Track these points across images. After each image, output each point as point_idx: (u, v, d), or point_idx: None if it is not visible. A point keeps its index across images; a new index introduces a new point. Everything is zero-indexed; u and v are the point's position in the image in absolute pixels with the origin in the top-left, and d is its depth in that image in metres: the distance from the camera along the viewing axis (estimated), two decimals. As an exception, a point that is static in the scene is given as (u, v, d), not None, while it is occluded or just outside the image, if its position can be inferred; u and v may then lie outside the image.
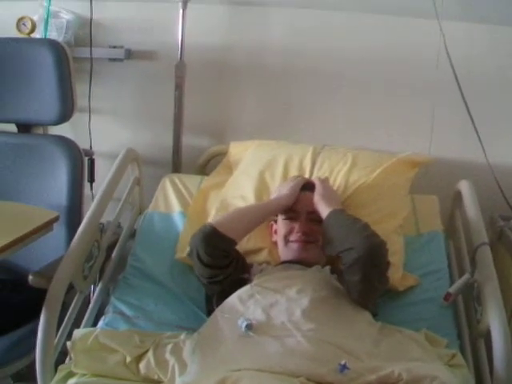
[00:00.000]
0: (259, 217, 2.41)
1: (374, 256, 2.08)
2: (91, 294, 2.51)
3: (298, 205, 2.42)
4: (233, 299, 2.11)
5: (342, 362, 1.73)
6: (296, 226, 2.36)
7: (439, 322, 2.29)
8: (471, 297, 2.29)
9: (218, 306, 2.15)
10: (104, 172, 2.65)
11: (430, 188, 2.90)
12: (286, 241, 2.37)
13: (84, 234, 2.29)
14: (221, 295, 2.19)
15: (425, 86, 3.05)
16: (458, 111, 2.99)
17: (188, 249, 2.25)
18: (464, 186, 2.70)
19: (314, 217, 2.37)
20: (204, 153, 3.14)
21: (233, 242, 2.23)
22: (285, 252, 2.38)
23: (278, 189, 2.52)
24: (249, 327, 1.91)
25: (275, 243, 2.46)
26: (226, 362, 1.80)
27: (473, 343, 2.25)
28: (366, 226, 2.15)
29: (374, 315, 2.19)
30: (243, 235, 2.35)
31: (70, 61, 2.72)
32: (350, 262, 2.08)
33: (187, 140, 3.20)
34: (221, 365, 1.79)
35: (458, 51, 2.92)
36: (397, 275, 2.38)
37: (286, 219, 2.40)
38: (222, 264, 2.21)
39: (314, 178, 2.55)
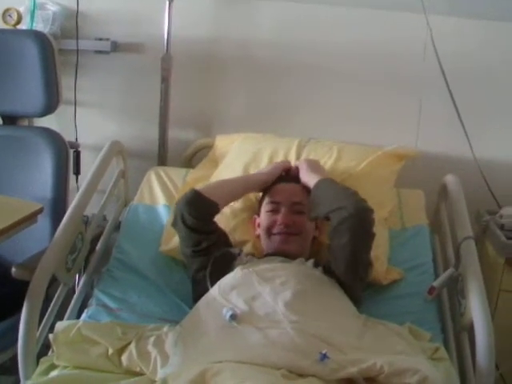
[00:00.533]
0: (240, 187, 2.49)
1: (363, 218, 2.13)
2: (76, 287, 2.50)
3: (280, 196, 2.41)
4: (215, 291, 2.09)
5: (323, 351, 1.74)
6: (278, 218, 2.35)
7: (423, 316, 2.30)
8: (455, 290, 2.30)
9: (212, 285, 2.14)
10: (90, 165, 2.63)
11: (416, 182, 2.90)
12: (269, 234, 2.36)
13: (67, 226, 2.27)
14: (212, 273, 2.19)
15: (412, 80, 3.05)
16: (445, 105, 3.01)
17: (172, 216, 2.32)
18: (450, 181, 2.70)
19: (296, 208, 2.37)
20: (190, 146, 3.13)
21: (215, 205, 2.29)
22: (268, 245, 2.37)
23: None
24: (233, 317, 1.90)
25: (258, 237, 2.45)
26: (208, 354, 1.79)
27: (457, 337, 2.25)
28: (357, 193, 2.20)
29: (358, 304, 2.19)
30: (225, 202, 2.40)
31: (55, 52, 2.72)
32: (338, 220, 2.13)
33: (173, 133, 3.19)
34: (202, 356, 1.79)
35: (444, 46, 2.94)
36: (381, 269, 2.39)
37: (268, 211, 2.40)
38: (205, 228, 2.27)
39: (297, 162, 2.59)
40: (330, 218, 2.18)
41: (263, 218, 2.41)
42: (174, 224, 2.30)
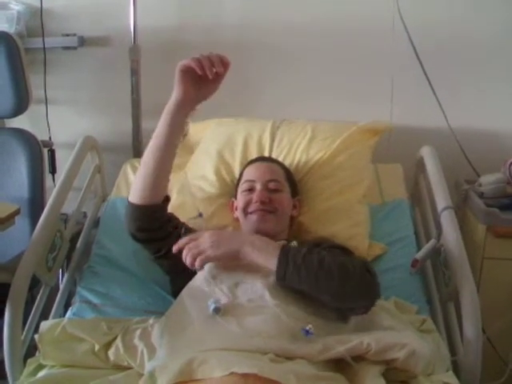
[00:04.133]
0: (162, 151, 2.20)
1: (345, 298, 1.91)
2: (59, 285, 2.49)
3: (255, 174, 2.36)
4: (198, 279, 2.06)
5: (307, 327, 1.75)
6: (253, 196, 2.31)
7: (408, 289, 2.31)
8: (439, 261, 2.30)
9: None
10: (65, 162, 2.61)
11: (394, 156, 2.91)
12: (246, 213, 2.31)
13: (45, 225, 2.26)
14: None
15: (382, 54, 3.02)
16: (417, 77, 3.01)
17: None
18: (426, 152, 2.69)
19: (271, 185, 2.32)
20: (164, 135, 3.09)
21: (155, 207, 2.19)
22: (246, 225, 2.32)
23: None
24: (216, 311, 1.85)
25: (237, 219, 2.41)
26: (194, 344, 1.78)
27: (443, 307, 2.27)
28: (320, 266, 1.89)
29: None
30: (160, 189, 2.22)
31: (21, 52, 2.69)
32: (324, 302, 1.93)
33: (147, 124, 3.13)
34: (188, 346, 1.77)
35: (412, 17, 2.93)
36: (363, 245, 2.40)
37: (243, 191, 2.35)
38: (160, 235, 2.21)
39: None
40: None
41: (239, 199, 2.37)
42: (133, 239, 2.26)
